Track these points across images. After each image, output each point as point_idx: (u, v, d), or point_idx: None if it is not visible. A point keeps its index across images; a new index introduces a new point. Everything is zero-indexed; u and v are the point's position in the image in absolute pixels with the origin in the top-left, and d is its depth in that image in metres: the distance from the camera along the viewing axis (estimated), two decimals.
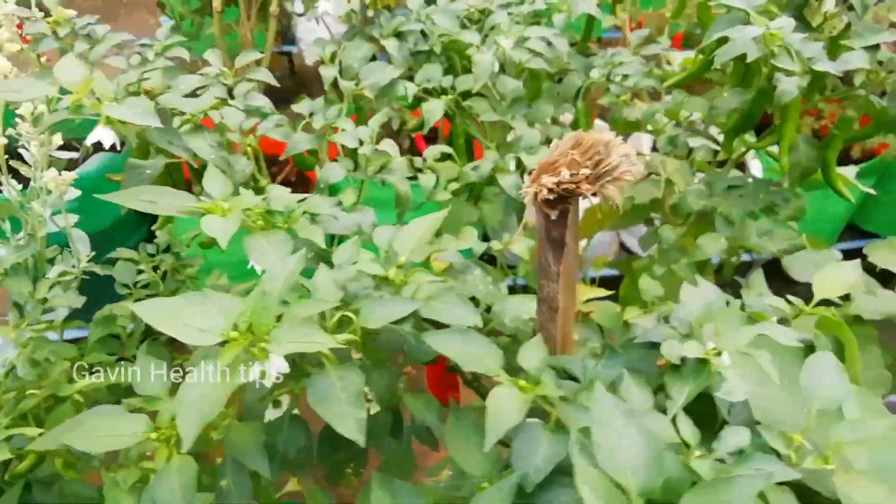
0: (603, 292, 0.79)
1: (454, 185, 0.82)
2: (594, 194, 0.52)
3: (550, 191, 0.49)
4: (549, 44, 0.88)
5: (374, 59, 0.89)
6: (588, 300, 0.80)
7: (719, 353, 0.51)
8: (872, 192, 0.99)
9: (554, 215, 0.52)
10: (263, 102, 0.75)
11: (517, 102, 0.92)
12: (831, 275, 0.63)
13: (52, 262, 0.82)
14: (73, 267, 0.86)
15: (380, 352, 0.53)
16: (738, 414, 0.52)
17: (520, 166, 0.82)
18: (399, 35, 0.90)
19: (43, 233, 0.88)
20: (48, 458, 0.64)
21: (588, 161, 0.50)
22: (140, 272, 0.87)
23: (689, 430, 0.45)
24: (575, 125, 1.01)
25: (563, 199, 0.51)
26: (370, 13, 0.91)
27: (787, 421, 0.53)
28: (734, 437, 0.46)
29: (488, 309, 0.70)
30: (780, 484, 0.45)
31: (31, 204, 0.79)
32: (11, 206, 0.84)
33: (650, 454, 0.35)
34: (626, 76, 0.96)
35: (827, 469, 0.47)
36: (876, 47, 0.73)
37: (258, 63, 0.92)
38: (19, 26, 0.75)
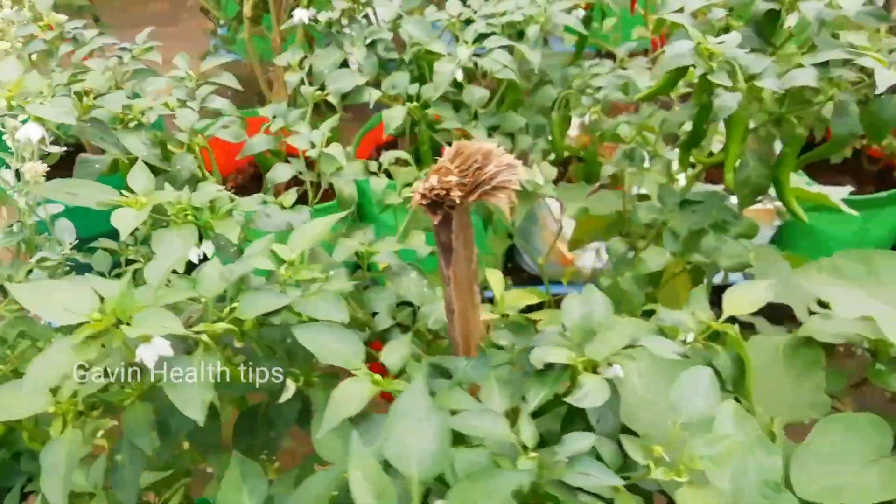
0: (535, 299, 0.79)
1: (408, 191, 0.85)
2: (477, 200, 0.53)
3: (423, 196, 0.51)
4: (511, 52, 0.89)
5: (345, 65, 0.92)
6: (529, 308, 0.80)
7: (591, 362, 0.51)
8: (856, 213, 0.95)
9: (436, 220, 0.53)
10: (221, 104, 0.79)
11: (482, 111, 0.93)
12: (741, 293, 0.62)
13: None
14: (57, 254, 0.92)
15: (266, 343, 0.55)
16: (606, 422, 0.52)
17: None
18: (371, 44, 0.93)
19: (30, 221, 0.95)
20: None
21: (467, 170, 0.52)
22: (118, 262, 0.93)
23: (528, 433, 0.45)
24: (552, 135, 1.02)
25: (440, 205, 0.52)
26: (344, 22, 0.95)
27: (654, 432, 0.53)
28: (575, 443, 0.46)
29: (417, 310, 0.72)
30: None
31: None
32: (4, 195, 0.92)
33: (439, 448, 0.37)
34: (598, 88, 0.96)
35: (677, 481, 0.47)
36: (825, 64, 0.72)
37: None
38: None
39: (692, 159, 0.86)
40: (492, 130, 0.99)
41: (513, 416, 0.49)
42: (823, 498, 0.54)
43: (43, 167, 0.84)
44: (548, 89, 1.01)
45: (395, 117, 0.87)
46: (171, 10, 3.04)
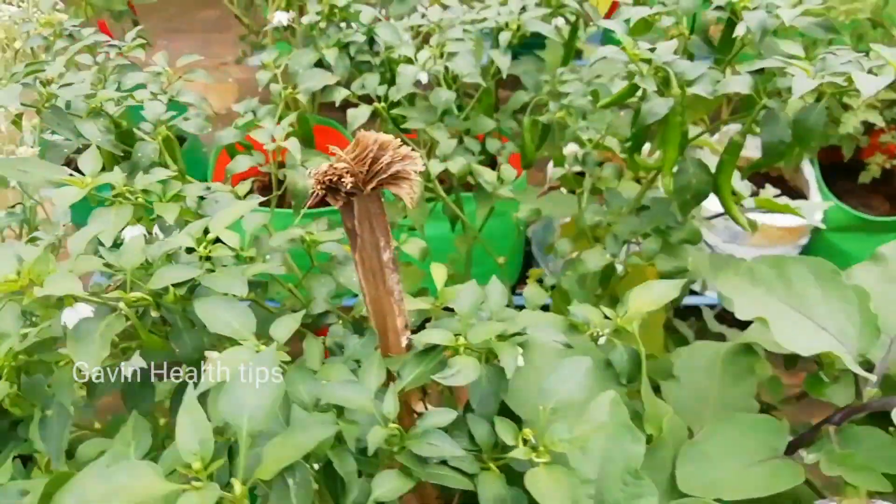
0: None
1: None
2: (374, 189, 0.56)
3: (318, 182, 0.55)
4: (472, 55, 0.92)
5: (320, 65, 0.97)
6: None
7: (470, 346, 0.54)
8: (821, 225, 0.94)
9: (337, 205, 0.57)
10: (192, 98, 0.85)
11: (447, 114, 0.96)
12: (647, 290, 0.64)
13: None
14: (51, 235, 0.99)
15: (189, 316, 0.60)
16: (486, 404, 0.55)
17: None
18: (345, 46, 0.97)
19: (30, 203, 1.03)
20: None
21: (364, 160, 0.55)
22: None
23: (390, 406, 0.48)
24: (522, 139, 1.04)
25: (338, 192, 0.56)
26: (322, 24, 0.99)
27: (535, 417, 0.55)
28: (436, 418, 0.49)
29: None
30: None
31: None
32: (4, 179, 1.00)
33: (271, 407, 0.40)
34: (566, 94, 0.99)
35: (535, 461, 0.49)
36: (760, 72, 0.72)
37: None
38: None
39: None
40: (464, 133, 1.03)
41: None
42: (704, 493, 0.55)
43: (34, 150, 0.91)
44: (520, 94, 1.04)
45: (358, 116, 0.91)
46: (219, 18, 3.16)
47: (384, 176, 0.56)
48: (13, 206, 1.04)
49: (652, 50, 0.73)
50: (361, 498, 0.43)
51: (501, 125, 1.05)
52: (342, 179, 0.55)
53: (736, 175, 1.03)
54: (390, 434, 0.47)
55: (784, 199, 1.03)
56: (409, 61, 0.95)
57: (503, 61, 0.97)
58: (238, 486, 0.38)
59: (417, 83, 0.92)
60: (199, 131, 0.82)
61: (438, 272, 0.81)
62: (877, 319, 0.57)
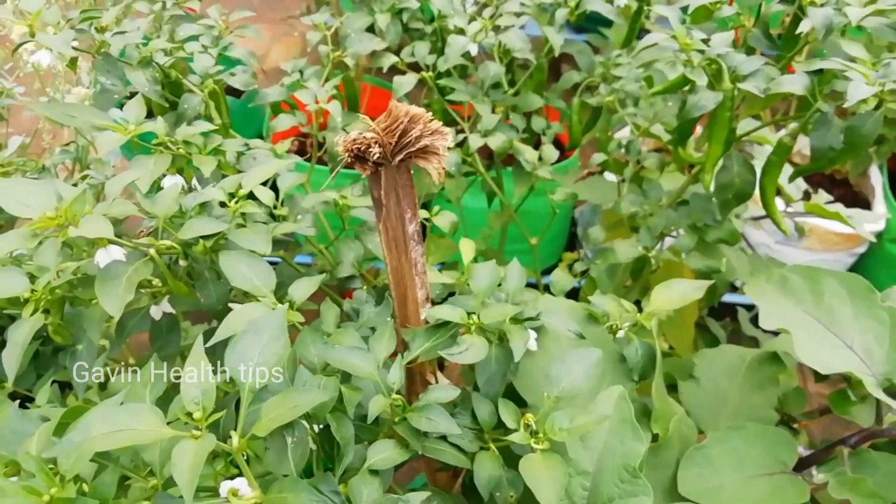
0: None
1: None
2: (403, 161, 0.57)
3: (345, 149, 0.55)
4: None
5: (372, 30, 0.97)
6: None
7: (482, 325, 0.54)
8: (871, 238, 0.91)
9: (365, 174, 0.57)
10: (241, 54, 0.86)
11: (495, 88, 0.95)
12: (670, 288, 0.62)
13: None
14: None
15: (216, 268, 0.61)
16: (492, 385, 0.55)
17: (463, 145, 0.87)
18: (399, 12, 0.97)
19: (82, 142, 1.06)
20: None
21: (394, 131, 0.55)
22: None
23: (395, 376, 0.49)
24: (569, 121, 1.02)
25: (366, 160, 0.56)
26: None
27: (535, 401, 0.55)
28: (438, 393, 0.49)
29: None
30: None
31: None
32: None
33: (276, 363, 0.41)
34: (617, 78, 0.96)
35: (533, 447, 0.49)
36: (819, 72, 0.69)
37: None
38: None
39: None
40: (511, 109, 1.01)
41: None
42: (702, 499, 0.55)
43: (88, 91, 0.94)
44: (572, 74, 1.02)
45: (404, 83, 0.91)
46: None
47: (413, 149, 0.56)
48: (67, 145, 1.07)
49: (706, 41, 0.70)
50: (357, 463, 0.44)
51: (550, 104, 1.03)
52: (370, 149, 0.55)
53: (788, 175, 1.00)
54: (393, 404, 0.48)
55: (840, 206, 0.99)
56: (461, 32, 0.94)
57: (556, 39, 0.95)
58: (236, 439, 0.39)
59: (468, 55, 0.91)
60: (245, 87, 0.84)
61: (467, 247, 0.82)
62: None
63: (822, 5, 0.73)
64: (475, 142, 0.88)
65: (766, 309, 0.60)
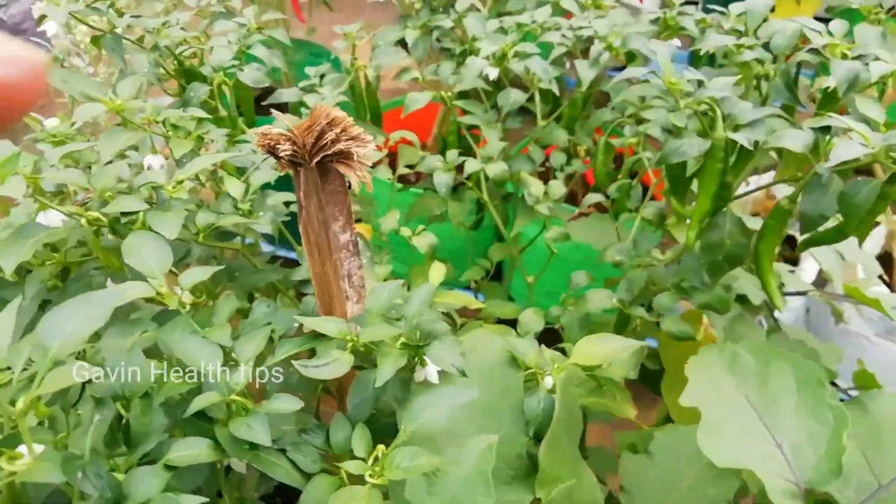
0: (476, 303, 0.77)
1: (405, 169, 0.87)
2: (321, 164, 0.55)
3: (259, 144, 0.54)
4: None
5: (402, 44, 0.97)
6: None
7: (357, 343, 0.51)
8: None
9: (281, 171, 0.56)
10: (261, 53, 0.88)
11: (510, 115, 0.92)
12: (596, 343, 0.56)
13: None
14: None
15: None
16: (361, 408, 0.52)
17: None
18: (432, 30, 0.96)
19: None
20: None
21: (310, 130, 0.54)
22: None
23: (241, 377, 0.47)
24: (594, 160, 0.97)
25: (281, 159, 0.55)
26: (417, 5, 0.99)
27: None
28: (280, 402, 0.47)
29: None
30: None
31: None
32: None
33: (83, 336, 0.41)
34: (646, 121, 0.90)
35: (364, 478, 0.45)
36: (826, 129, 0.61)
37: None
38: None
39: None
40: (534, 141, 0.98)
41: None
42: None
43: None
44: (603, 112, 0.96)
45: (417, 100, 0.90)
46: None
47: (328, 152, 0.54)
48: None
49: (700, 83, 0.64)
50: (157, 454, 0.42)
51: (578, 140, 0.98)
52: (279, 146, 0.54)
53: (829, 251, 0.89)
54: (235, 404, 0.46)
55: (884, 291, 0.87)
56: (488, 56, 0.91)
57: (586, 72, 0.90)
58: (20, 405, 0.39)
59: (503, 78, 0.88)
60: (255, 84, 0.86)
61: (437, 271, 0.79)
62: (842, 452, 0.46)
63: (852, 58, 0.65)
64: (472, 166, 0.85)
65: (693, 385, 0.52)
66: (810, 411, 0.49)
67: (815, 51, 0.67)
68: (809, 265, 1.55)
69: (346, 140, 0.54)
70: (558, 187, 0.87)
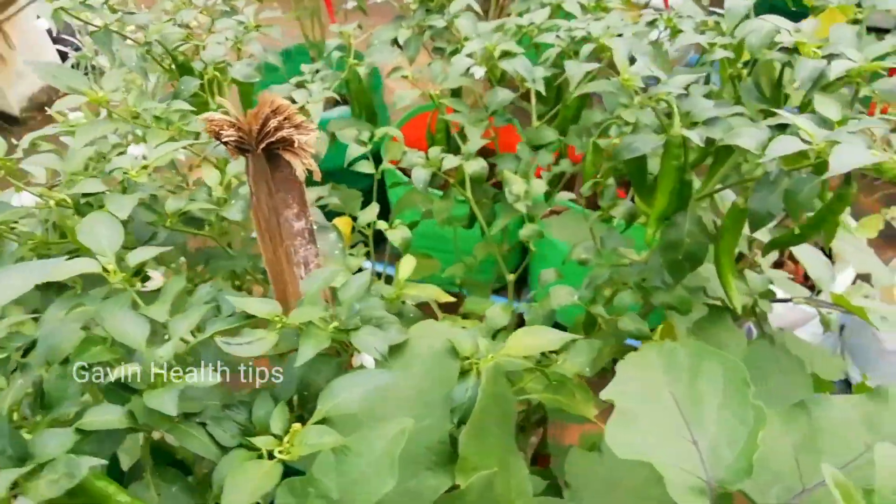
0: (445, 297, 0.78)
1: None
2: (268, 152, 0.57)
3: (206, 130, 0.56)
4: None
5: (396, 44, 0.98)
6: None
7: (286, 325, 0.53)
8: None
9: (233, 158, 0.58)
10: (255, 50, 0.91)
11: (497, 115, 0.92)
12: (531, 335, 0.56)
13: None
14: None
15: None
16: (286, 387, 0.53)
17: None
18: (424, 30, 0.97)
19: None
20: None
21: (256, 117, 0.56)
22: None
23: (165, 351, 0.49)
24: (585, 160, 0.96)
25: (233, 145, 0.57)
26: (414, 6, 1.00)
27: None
28: (196, 377, 0.49)
29: None
30: None
31: None
32: None
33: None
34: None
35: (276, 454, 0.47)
36: (783, 127, 0.59)
37: None
38: None
39: None
40: (527, 142, 0.97)
41: None
42: None
43: None
44: (594, 114, 0.96)
45: (404, 97, 0.91)
46: None
47: (272, 139, 0.56)
48: None
49: (658, 80, 0.63)
50: (74, 419, 0.44)
51: (568, 141, 0.97)
52: (223, 131, 0.56)
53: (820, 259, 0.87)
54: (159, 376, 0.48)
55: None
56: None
57: (575, 71, 0.90)
58: None
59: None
60: (245, 79, 0.89)
61: (407, 264, 0.80)
62: (755, 451, 0.45)
63: (822, 57, 0.63)
64: (449, 163, 0.85)
65: (618, 380, 0.52)
66: (733, 411, 0.48)
67: (785, 49, 0.66)
68: (845, 276, 1.50)
69: (289, 128, 0.56)
70: (539, 186, 0.87)
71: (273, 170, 0.60)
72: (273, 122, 0.55)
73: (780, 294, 0.92)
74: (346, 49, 0.97)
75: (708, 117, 0.62)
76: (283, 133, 0.55)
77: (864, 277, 1.37)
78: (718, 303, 0.80)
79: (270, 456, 0.47)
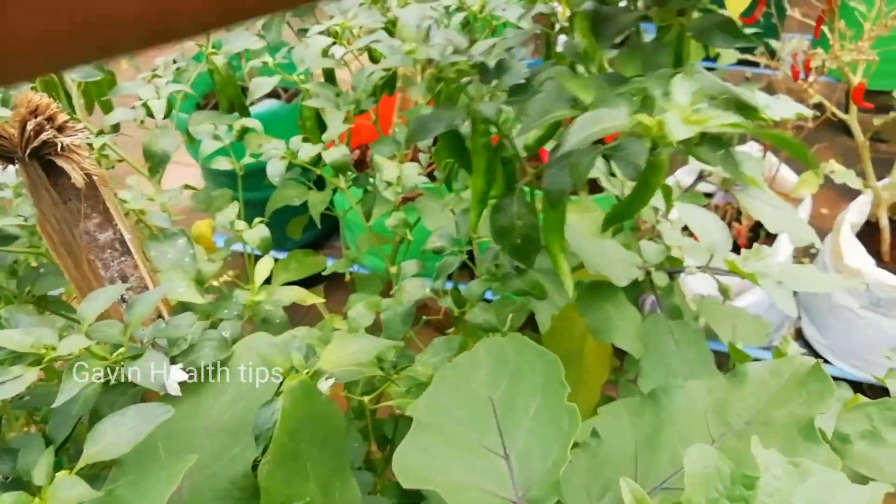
0: (314, 298, 0.72)
1: None
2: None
3: None
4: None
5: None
6: None
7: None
8: None
9: (2, 167, 0.51)
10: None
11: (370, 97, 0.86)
12: (346, 345, 0.50)
13: None
14: None
15: None
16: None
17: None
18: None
19: None
20: None
21: (16, 120, 0.49)
22: None
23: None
24: None
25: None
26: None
27: None
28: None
29: None
30: None
31: None
32: None
33: None
34: None
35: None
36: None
37: None
38: None
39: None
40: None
41: None
42: None
43: None
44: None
45: (262, 86, 0.85)
46: None
47: (34, 144, 0.50)
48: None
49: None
50: None
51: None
52: None
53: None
54: None
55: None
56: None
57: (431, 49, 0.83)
58: None
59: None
60: (84, 78, 0.81)
61: (264, 266, 0.73)
62: (564, 464, 0.39)
63: None
64: (307, 152, 0.79)
65: (434, 388, 0.46)
66: (549, 415, 0.43)
67: None
68: (783, 246, 1.46)
69: (50, 129, 0.49)
70: (410, 170, 0.81)
71: (57, 177, 0.54)
72: (30, 125, 0.49)
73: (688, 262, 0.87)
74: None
75: (513, 84, 0.55)
76: (44, 136, 0.49)
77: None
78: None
79: None
